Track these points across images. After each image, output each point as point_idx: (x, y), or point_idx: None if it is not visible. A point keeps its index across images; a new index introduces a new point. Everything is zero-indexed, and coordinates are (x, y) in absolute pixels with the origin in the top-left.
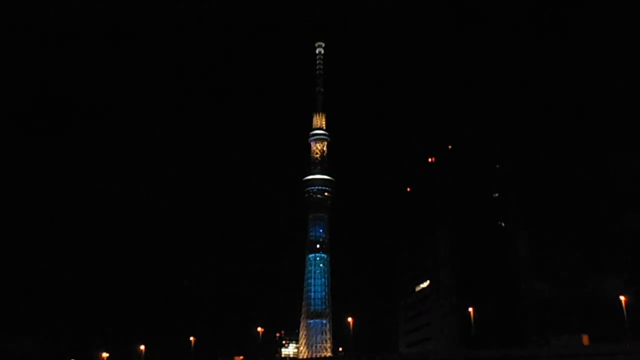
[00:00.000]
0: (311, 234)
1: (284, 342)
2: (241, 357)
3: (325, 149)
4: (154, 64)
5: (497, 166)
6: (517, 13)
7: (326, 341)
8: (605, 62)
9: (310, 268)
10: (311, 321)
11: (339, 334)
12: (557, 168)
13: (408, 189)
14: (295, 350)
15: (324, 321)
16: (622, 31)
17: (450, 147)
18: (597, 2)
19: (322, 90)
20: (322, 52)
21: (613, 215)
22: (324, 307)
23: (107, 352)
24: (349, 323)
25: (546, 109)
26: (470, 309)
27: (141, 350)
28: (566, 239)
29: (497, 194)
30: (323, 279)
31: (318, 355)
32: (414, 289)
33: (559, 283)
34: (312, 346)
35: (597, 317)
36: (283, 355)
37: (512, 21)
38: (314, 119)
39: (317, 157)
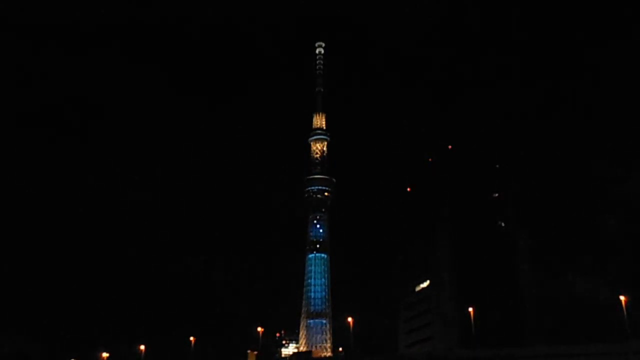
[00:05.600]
0: (311, 234)
1: (284, 342)
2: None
3: (325, 149)
4: (154, 64)
5: (497, 166)
6: (516, 13)
7: (326, 341)
8: (605, 64)
9: (310, 268)
10: (311, 321)
11: (339, 334)
12: (557, 168)
13: (408, 189)
14: (295, 350)
15: (324, 321)
16: (622, 30)
17: (450, 147)
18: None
19: (322, 90)
20: (322, 52)
21: (608, 216)
22: (324, 307)
23: (107, 352)
24: (349, 323)
25: (546, 109)
26: (470, 309)
27: (141, 350)
28: (565, 238)
29: (497, 194)
30: (323, 279)
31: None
32: (414, 289)
33: (559, 282)
34: (312, 346)
35: (597, 317)
36: (283, 355)
37: (511, 21)
38: (314, 119)
39: (317, 157)
